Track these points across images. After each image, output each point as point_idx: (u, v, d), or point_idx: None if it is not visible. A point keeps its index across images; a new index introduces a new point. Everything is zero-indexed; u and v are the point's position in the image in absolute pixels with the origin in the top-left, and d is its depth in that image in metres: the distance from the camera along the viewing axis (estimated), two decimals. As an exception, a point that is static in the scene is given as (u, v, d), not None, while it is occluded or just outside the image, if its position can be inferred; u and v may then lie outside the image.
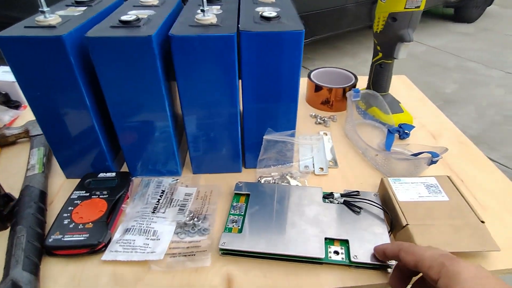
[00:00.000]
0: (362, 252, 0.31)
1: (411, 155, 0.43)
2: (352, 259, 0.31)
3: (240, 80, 0.36)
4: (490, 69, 2.07)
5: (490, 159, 0.47)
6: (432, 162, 0.39)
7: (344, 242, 0.33)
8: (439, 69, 2.07)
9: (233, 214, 0.36)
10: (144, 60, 0.33)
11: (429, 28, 2.75)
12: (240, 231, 0.34)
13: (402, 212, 0.35)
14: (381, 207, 0.36)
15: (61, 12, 0.37)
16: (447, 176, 0.39)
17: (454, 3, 2.62)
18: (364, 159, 0.47)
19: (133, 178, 0.43)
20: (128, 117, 0.37)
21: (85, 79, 0.35)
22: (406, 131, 0.49)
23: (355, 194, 0.38)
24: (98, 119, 0.39)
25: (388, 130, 0.48)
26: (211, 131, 0.39)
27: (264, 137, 0.39)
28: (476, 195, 0.41)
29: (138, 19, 0.34)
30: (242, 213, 0.36)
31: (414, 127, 0.50)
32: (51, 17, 0.34)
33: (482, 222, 0.34)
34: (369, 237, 0.33)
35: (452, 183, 0.38)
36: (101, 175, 0.41)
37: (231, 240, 0.32)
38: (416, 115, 0.57)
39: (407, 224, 0.33)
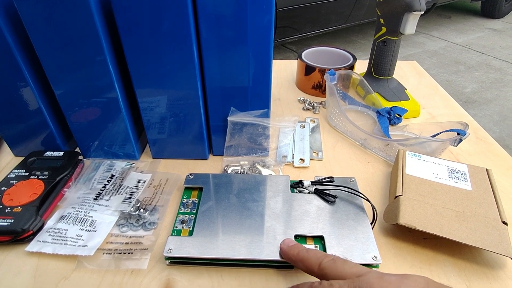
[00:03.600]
0: (341, 250, 0.26)
1: (431, 136, 0.36)
2: None
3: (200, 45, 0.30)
4: (519, 69, 1.90)
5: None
6: (460, 141, 0.34)
7: (319, 240, 0.28)
8: (460, 67, 1.93)
9: (183, 213, 0.30)
10: (81, 18, 0.27)
11: (453, 23, 2.56)
12: (191, 233, 0.28)
13: (402, 183, 0.30)
14: (360, 194, 0.30)
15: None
16: (486, 169, 0.32)
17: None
18: (354, 152, 0.39)
19: (85, 159, 0.38)
20: (72, 91, 0.32)
21: (21, 46, 0.30)
22: (397, 115, 0.41)
23: (328, 180, 0.31)
24: (40, 91, 0.34)
25: (378, 112, 0.40)
26: (169, 108, 0.33)
27: (228, 118, 0.33)
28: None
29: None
30: (194, 211, 0.30)
31: (407, 110, 0.42)
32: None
33: (505, 223, 0.27)
34: (348, 230, 0.27)
35: (489, 177, 0.31)
36: (48, 153, 0.36)
37: (179, 245, 0.26)
38: (426, 104, 0.49)
39: (400, 195, 0.29)
